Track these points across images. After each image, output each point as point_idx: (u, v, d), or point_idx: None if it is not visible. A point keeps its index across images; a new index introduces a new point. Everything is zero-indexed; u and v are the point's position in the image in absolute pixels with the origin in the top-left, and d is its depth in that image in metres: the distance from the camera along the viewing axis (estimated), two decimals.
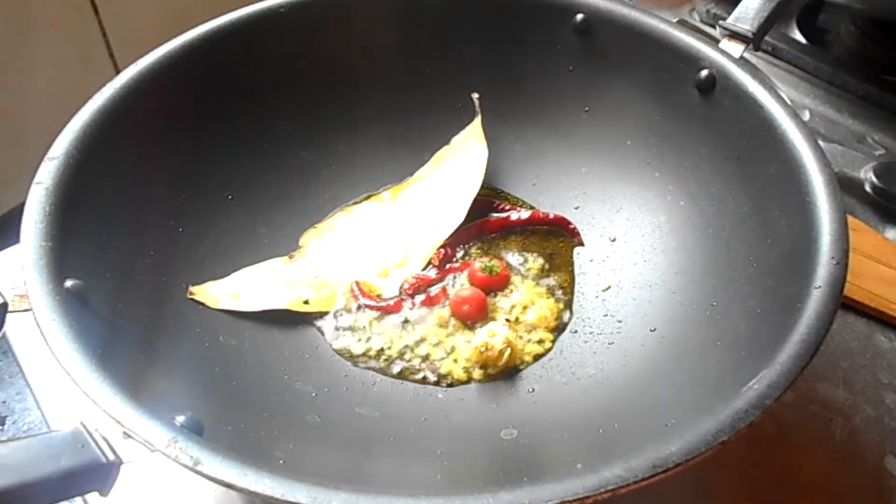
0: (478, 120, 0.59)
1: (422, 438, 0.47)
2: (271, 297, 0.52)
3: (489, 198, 0.59)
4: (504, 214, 0.58)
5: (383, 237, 0.57)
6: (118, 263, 0.47)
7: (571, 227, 0.57)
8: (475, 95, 0.59)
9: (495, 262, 0.54)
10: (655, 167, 0.56)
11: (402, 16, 0.60)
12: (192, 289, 0.51)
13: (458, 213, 0.56)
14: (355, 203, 0.59)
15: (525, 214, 0.57)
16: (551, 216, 0.57)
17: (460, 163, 0.58)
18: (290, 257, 0.56)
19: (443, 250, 0.56)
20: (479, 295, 0.52)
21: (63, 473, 0.34)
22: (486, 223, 0.57)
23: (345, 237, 0.57)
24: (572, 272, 0.55)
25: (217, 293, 0.52)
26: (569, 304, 0.53)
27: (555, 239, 0.57)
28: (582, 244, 0.56)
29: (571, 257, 0.56)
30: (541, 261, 0.55)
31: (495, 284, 0.54)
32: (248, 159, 0.57)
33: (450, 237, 0.56)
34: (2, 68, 0.92)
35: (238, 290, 0.52)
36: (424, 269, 0.55)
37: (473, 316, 0.52)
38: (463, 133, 0.60)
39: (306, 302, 0.53)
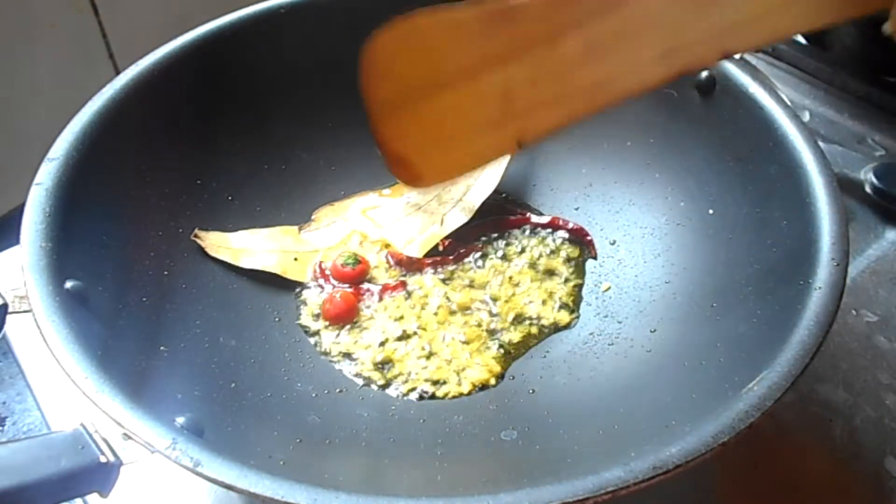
0: None
1: (422, 439, 0.47)
2: (268, 261, 0.54)
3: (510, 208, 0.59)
4: (524, 216, 0.58)
5: (391, 224, 0.58)
6: (118, 264, 0.47)
7: (588, 238, 0.56)
8: None
9: (355, 254, 0.55)
10: (656, 168, 0.56)
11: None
12: (197, 232, 0.53)
13: (465, 212, 0.57)
14: (375, 190, 0.60)
15: (545, 219, 0.58)
16: (570, 225, 0.57)
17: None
18: (300, 228, 0.57)
19: (448, 240, 0.56)
20: (349, 299, 0.53)
21: (63, 475, 0.34)
22: (503, 221, 0.58)
23: (355, 219, 0.58)
24: (580, 281, 0.55)
25: (219, 243, 0.54)
26: (573, 307, 0.53)
27: (569, 246, 0.57)
28: (594, 257, 0.56)
29: (583, 267, 0.55)
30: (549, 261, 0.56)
31: (357, 276, 0.55)
32: (248, 160, 0.57)
33: (461, 230, 0.57)
34: (2, 69, 0.92)
35: (239, 247, 0.54)
36: (427, 255, 0.56)
37: (343, 318, 0.53)
38: None
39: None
